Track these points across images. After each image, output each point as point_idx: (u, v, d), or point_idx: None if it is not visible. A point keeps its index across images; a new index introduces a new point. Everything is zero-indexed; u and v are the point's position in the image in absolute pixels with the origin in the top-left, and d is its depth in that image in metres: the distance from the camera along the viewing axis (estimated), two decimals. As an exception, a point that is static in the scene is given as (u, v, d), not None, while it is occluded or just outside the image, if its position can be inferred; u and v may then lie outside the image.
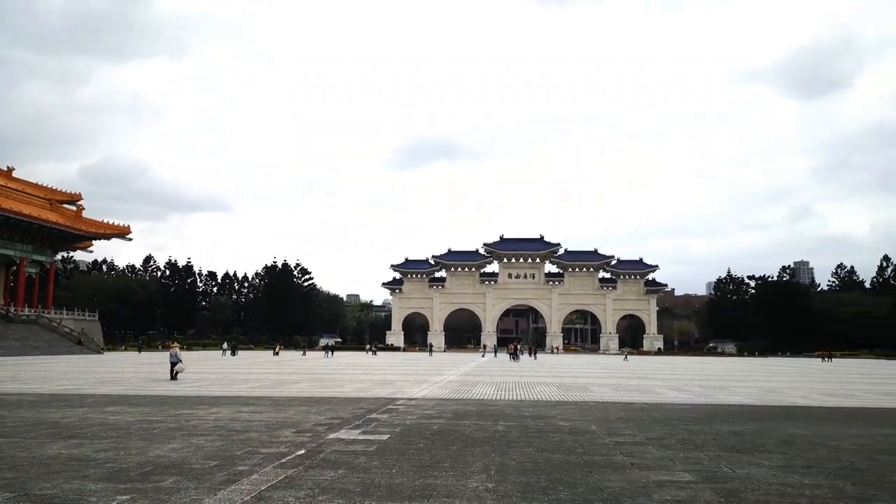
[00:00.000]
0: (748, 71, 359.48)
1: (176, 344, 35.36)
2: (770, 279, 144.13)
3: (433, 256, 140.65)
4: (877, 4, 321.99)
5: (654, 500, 8.04)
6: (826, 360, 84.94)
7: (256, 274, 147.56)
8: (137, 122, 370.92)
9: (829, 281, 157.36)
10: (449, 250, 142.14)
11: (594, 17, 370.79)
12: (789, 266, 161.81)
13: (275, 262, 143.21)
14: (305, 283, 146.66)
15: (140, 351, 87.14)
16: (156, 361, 53.50)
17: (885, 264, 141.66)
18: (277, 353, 78.87)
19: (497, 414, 17.56)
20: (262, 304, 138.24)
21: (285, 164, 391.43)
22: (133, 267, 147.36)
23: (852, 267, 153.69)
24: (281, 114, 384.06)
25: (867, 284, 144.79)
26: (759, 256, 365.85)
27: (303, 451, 11.13)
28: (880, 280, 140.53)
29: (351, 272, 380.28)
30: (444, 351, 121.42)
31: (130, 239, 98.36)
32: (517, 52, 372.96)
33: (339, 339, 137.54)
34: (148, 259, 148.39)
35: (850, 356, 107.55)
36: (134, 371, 39.15)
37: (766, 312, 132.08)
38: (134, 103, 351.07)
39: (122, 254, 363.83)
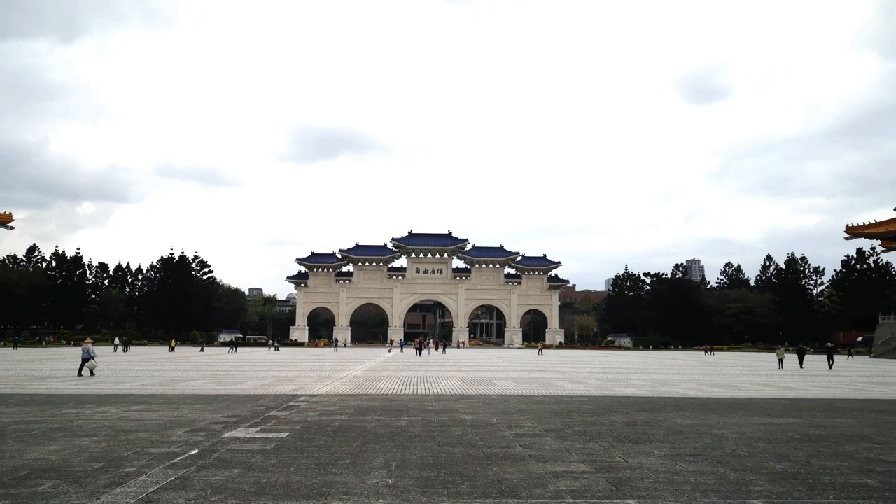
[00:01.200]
0: (647, 78, 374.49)
1: (89, 340, 33.93)
2: (664, 276, 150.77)
3: (340, 250, 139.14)
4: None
5: (549, 491, 8.22)
6: (708, 353, 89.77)
7: (152, 266, 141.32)
8: (21, 103, 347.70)
9: (717, 279, 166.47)
10: (357, 244, 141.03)
11: (504, 15, 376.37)
12: (682, 264, 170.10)
13: (172, 254, 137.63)
14: (205, 276, 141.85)
15: (16, 346, 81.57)
16: (36, 358, 50.44)
17: (767, 264, 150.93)
18: (173, 349, 75.93)
19: (401, 409, 17.53)
20: (158, 297, 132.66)
21: (186, 153, 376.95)
22: (15, 257, 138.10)
23: (739, 266, 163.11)
24: (181, 101, 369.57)
25: (752, 282, 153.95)
26: (654, 254, 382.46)
27: (196, 451, 10.73)
28: (763, 278, 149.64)
29: (254, 266, 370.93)
30: (351, 346, 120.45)
31: (12, 227, 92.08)
32: (427, 46, 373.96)
33: (240, 335, 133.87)
34: (32, 249, 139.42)
35: (735, 349, 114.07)
36: (13, 368, 36.73)
37: (659, 308, 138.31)
38: (16, 83, 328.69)
39: (2, 243, 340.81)
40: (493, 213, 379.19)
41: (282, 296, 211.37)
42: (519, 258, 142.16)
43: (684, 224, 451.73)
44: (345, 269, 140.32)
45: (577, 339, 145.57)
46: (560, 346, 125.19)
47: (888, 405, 20.34)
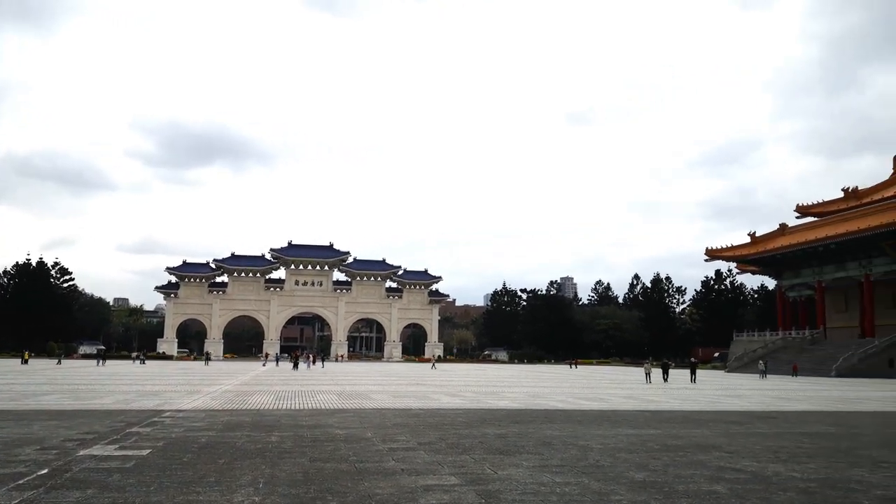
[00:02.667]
0: (531, 102, 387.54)
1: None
2: (539, 293, 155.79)
3: (215, 260, 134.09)
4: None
5: (420, 505, 8.23)
6: (573, 366, 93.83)
7: (5, 272, 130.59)
8: None
9: (588, 296, 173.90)
10: (232, 254, 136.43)
11: (384, 26, 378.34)
12: (556, 281, 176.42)
13: (28, 261, 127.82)
14: (65, 285, 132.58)
15: None
16: None
17: (635, 283, 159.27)
18: (26, 362, 70.35)
19: (272, 424, 17.05)
20: (10, 306, 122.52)
21: (48, 152, 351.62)
22: None
23: (609, 284, 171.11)
24: (38, 95, 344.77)
25: (620, 300, 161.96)
26: (531, 271, 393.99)
27: (46, 471, 9.95)
28: (631, 296, 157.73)
29: (121, 276, 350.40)
30: (223, 359, 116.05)
31: None
32: (307, 52, 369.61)
33: (103, 347, 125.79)
34: None
35: (604, 363, 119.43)
36: None
37: (535, 323, 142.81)
38: None
39: None
40: (376, 227, 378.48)
41: (149, 306, 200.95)
42: (401, 272, 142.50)
43: (559, 243, 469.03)
44: (219, 279, 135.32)
45: (455, 353, 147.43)
46: (439, 360, 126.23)
47: (739, 416, 21.87)
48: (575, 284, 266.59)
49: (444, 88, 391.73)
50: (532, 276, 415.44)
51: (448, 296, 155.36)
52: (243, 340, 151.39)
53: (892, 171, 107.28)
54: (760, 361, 68.79)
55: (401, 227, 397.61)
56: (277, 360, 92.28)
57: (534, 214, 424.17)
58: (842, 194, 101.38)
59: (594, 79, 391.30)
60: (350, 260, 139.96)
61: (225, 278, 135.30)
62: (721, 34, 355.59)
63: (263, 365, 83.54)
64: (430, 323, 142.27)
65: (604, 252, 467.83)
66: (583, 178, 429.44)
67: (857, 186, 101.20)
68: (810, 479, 10.41)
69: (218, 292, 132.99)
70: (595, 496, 8.89)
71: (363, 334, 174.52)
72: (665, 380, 48.92)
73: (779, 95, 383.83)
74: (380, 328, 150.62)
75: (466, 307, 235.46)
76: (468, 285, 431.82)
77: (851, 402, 30.07)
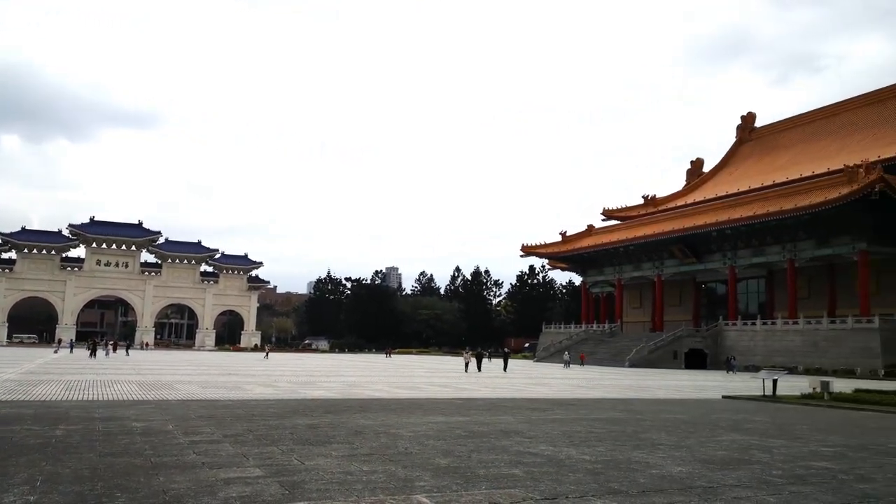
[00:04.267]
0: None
1: None
2: (364, 282, 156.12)
3: (1, 234, 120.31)
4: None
5: (218, 499, 7.87)
6: (388, 356, 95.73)
7: None
8: None
9: (412, 286, 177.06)
10: (23, 228, 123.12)
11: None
12: (381, 270, 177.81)
13: None
14: None
15: None
16: None
17: (456, 275, 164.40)
18: None
19: (60, 416, 15.58)
20: None
21: None
22: None
23: (432, 275, 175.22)
24: None
25: (442, 291, 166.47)
26: (357, 260, 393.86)
27: None
28: (452, 288, 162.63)
29: None
30: (6, 345, 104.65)
31: None
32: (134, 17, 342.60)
33: None
34: None
35: (424, 353, 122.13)
36: None
37: (358, 312, 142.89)
38: None
39: None
40: (192, 207, 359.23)
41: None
42: (218, 256, 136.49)
43: (387, 233, 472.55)
44: (5, 255, 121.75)
45: (274, 342, 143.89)
46: (255, 349, 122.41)
47: (541, 404, 23.22)
48: (400, 275, 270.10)
49: (254, 63, 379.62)
50: (358, 265, 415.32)
51: (268, 282, 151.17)
52: (34, 324, 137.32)
53: (684, 183, 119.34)
54: (566, 352, 73.73)
55: (221, 212, 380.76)
56: (72, 346, 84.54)
57: (360, 204, 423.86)
58: (642, 201, 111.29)
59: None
60: (161, 241, 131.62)
61: (13, 254, 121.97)
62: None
63: (55, 352, 76.29)
64: (248, 310, 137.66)
65: (431, 243, 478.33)
66: (421, 170, 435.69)
67: (655, 195, 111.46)
68: (598, 460, 11.27)
69: (3, 270, 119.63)
70: (400, 483, 9.01)
71: (173, 321, 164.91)
72: (479, 369, 50.83)
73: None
74: (192, 314, 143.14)
75: (288, 295, 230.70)
76: (291, 272, 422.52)
77: (640, 390, 33.04)
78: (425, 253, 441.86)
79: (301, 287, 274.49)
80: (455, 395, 26.48)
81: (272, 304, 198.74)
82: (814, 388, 28.90)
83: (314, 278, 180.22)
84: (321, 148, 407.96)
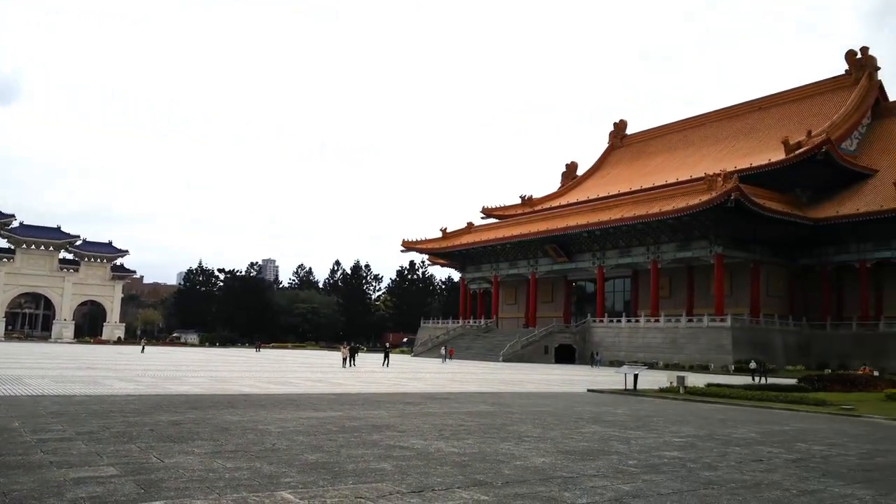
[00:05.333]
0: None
1: None
2: (238, 273, 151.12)
3: None
4: None
5: (65, 500, 7.38)
6: (258, 350, 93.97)
7: None
8: None
9: (290, 279, 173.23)
10: None
11: None
12: (258, 262, 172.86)
13: None
14: None
15: None
16: None
17: (336, 268, 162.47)
18: None
19: None
20: None
21: None
22: None
23: (311, 268, 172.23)
24: None
25: (321, 284, 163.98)
26: (233, 251, 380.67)
27: None
28: (331, 281, 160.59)
29: None
30: None
31: None
32: None
33: None
34: None
35: (300, 347, 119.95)
36: None
37: (231, 304, 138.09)
38: None
39: None
40: (52, 191, 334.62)
41: None
42: (79, 242, 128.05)
43: (268, 224, 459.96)
44: None
45: (140, 334, 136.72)
46: (119, 342, 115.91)
47: (416, 398, 23.40)
48: (277, 267, 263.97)
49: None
50: (233, 258, 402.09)
51: (134, 272, 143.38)
52: None
53: (560, 184, 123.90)
54: (442, 347, 74.68)
55: (83, 197, 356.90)
56: None
57: (233, 193, 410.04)
58: (520, 201, 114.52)
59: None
60: (14, 224, 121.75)
61: None
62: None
63: None
64: (112, 301, 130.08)
65: (310, 235, 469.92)
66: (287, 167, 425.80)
67: (532, 195, 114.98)
68: (466, 453, 11.50)
69: None
70: (265, 479, 8.80)
71: (27, 310, 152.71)
72: (353, 364, 50.54)
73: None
74: (49, 304, 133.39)
75: (156, 285, 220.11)
76: (160, 262, 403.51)
77: (512, 384, 34.01)
78: (305, 247, 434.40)
79: (171, 278, 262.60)
80: (329, 389, 26.20)
81: (138, 294, 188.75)
82: (671, 383, 30.86)
83: (185, 269, 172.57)
84: (194, 142, 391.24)
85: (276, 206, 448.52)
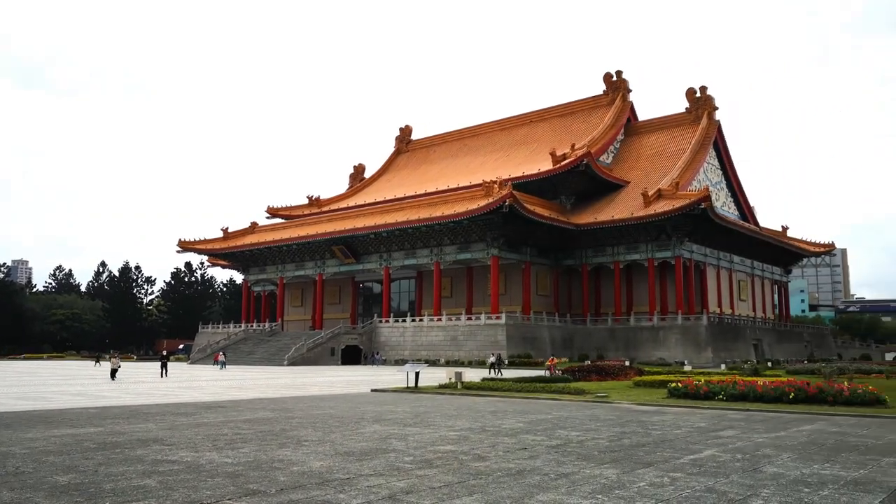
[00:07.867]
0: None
1: None
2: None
3: None
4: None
5: None
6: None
7: None
8: None
9: (46, 282, 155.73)
10: None
11: None
12: (6, 264, 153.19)
13: None
14: None
15: None
16: None
17: (101, 270, 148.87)
18: None
19: None
20: None
21: None
22: None
23: (71, 270, 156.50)
24: None
25: (84, 288, 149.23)
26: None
27: None
28: (96, 284, 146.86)
29: None
30: None
31: None
32: None
33: None
34: None
35: (57, 357, 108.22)
36: None
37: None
38: None
39: None
40: None
41: None
42: None
43: (13, 222, 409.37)
44: None
45: None
46: None
47: (189, 408, 22.12)
48: (30, 269, 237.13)
49: None
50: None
51: None
52: None
53: (347, 186, 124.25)
54: (222, 353, 71.38)
55: None
56: None
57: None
58: (307, 201, 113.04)
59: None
60: None
61: None
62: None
63: None
64: None
65: (76, 232, 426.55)
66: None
67: (319, 196, 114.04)
68: (240, 462, 11.08)
69: None
70: (2, 510, 7.82)
71: None
72: (165, 374, 47.12)
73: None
74: None
75: None
76: None
77: (295, 388, 33.40)
78: (63, 248, 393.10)
79: None
80: (91, 403, 23.92)
81: None
82: (450, 379, 32.20)
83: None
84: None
85: (30, 202, 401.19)
